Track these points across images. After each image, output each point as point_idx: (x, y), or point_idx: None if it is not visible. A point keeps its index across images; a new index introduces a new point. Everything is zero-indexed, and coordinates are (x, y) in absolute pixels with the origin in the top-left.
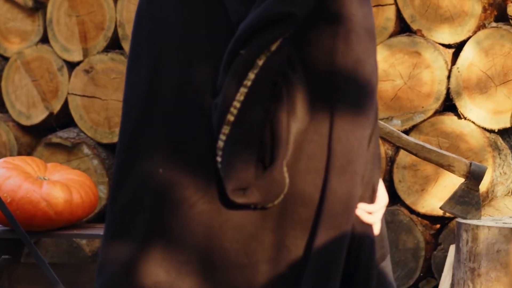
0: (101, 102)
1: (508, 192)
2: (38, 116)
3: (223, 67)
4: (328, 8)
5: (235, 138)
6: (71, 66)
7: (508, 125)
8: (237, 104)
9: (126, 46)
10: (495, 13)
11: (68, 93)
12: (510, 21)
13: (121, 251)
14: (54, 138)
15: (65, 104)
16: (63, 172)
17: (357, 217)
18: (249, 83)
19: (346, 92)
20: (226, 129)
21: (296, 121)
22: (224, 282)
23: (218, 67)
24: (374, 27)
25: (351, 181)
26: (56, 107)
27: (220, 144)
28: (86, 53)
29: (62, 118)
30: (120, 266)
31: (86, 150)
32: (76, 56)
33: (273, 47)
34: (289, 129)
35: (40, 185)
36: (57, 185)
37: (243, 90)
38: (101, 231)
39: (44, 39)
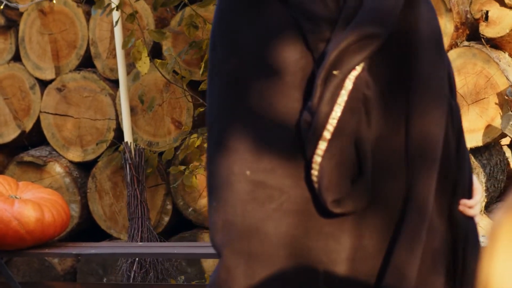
0: (73, 120)
1: (481, 211)
2: (10, 134)
3: (317, 87)
4: (400, 28)
5: (332, 153)
6: (44, 84)
7: (480, 143)
8: (333, 121)
9: (99, 64)
10: (467, 32)
11: (40, 112)
12: (482, 40)
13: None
14: (26, 157)
15: (37, 123)
16: (34, 190)
17: (460, 212)
18: (343, 102)
19: (419, 104)
20: (322, 145)
21: (372, 133)
22: (305, 278)
23: (291, 82)
24: (441, 36)
25: (431, 180)
26: (28, 125)
27: (317, 159)
28: (58, 71)
29: (34, 137)
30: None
31: (58, 168)
32: (48, 74)
33: (360, 66)
34: (370, 142)
35: (11, 203)
36: (28, 203)
37: (338, 108)
38: (73, 250)
39: (16, 57)
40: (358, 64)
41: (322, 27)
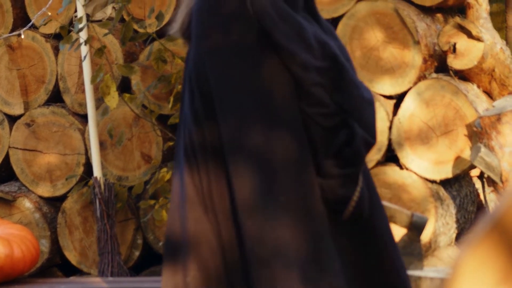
0: (42, 155)
1: (451, 242)
2: None
3: None
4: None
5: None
6: (12, 119)
7: (450, 175)
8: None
9: (68, 99)
10: (436, 64)
11: (9, 147)
12: (451, 72)
13: None
14: None
15: (6, 158)
16: (3, 226)
17: None
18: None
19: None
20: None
21: None
22: None
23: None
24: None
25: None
26: None
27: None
28: (27, 106)
29: (3, 172)
30: None
31: (27, 204)
32: (17, 110)
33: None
34: None
35: None
36: None
37: None
38: (43, 285)
39: None
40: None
41: (313, 73)
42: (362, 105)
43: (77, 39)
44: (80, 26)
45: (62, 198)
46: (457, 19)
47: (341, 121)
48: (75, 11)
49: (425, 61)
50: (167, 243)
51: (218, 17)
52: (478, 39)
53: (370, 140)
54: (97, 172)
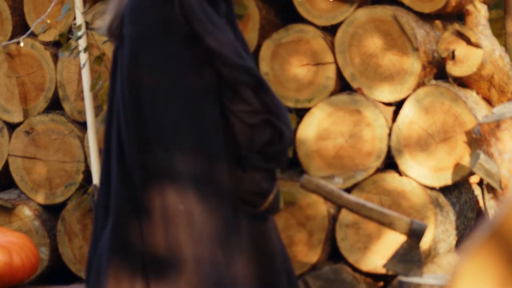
0: (42, 163)
1: (451, 249)
2: None
3: None
4: None
5: None
6: (11, 127)
7: (449, 182)
8: None
9: (67, 106)
10: (435, 70)
11: (9, 155)
12: (450, 78)
13: None
14: None
15: (6, 166)
16: (3, 234)
17: None
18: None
19: None
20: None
21: None
22: None
23: None
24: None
25: None
26: None
27: None
28: (26, 114)
29: (3, 180)
30: None
31: (27, 211)
32: (16, 117)
33: None
34: None
35: None
36: None
37: None
38: None
39: None
40: None
41: (240, 73)
42: (283, 108)
43: (76, 46)
44: (79, 33)
45: (62, 205)
46: (456, 26)
47: (264, 120)
48: (74, 18)
49: (424, 68)
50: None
51: (148, 20)
52: (477, 45)
53: (291, 142)
54: (96, 179)
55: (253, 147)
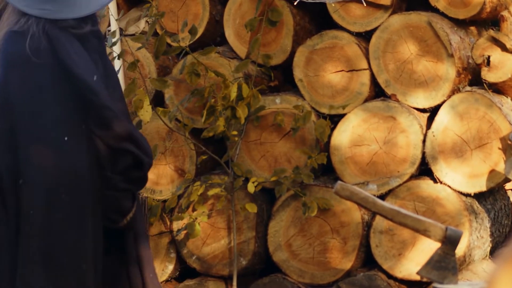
0: None
1: (486, 256)
2: None
3: None
4: None
5: None
6: None
7: (484, 188)
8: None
9: None
10: (470, 77)
11: None
12: (485, 85)
13: None
14: None
15: None
16: None
17: None
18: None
19: None
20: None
21: None
22: None
23: None
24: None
25: None
26: None
27: None
28: None
29: None
30: None
31: None
32: None
33: None
34: None
35: None
36: None
37: None
38: None
39: None
40: None
41: (104, 98)
42: (142, 137)
43: (111, 53)
44: (114, 40)
45: None
46: (491, 32)
47: (126, 145)
48: (109, 25)
49: (459, 74)
50: None
51: (7, 55)
52: None
53: (150, 166)
54: None
55: (115, 168)
